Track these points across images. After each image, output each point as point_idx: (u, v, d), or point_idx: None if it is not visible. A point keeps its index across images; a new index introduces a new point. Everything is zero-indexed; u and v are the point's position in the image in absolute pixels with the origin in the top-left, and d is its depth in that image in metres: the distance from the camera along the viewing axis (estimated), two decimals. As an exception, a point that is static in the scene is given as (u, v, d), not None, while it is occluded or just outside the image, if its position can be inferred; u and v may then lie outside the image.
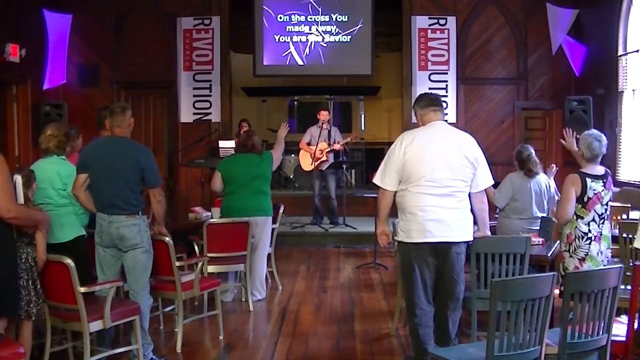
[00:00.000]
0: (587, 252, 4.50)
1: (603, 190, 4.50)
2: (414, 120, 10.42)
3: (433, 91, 10.08)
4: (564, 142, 5.40)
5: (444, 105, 4.29)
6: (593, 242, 4.50)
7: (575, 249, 4.53)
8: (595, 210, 4.50)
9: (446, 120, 4.36)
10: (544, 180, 5.74)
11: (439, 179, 4.01)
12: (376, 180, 4.24)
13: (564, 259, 4.59)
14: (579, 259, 4.51)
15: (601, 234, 4.54)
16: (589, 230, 4.50)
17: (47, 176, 4.63)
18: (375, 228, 4.53)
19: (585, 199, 4.47)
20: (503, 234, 5.41)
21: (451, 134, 4.17)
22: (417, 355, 4.21)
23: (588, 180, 4.47)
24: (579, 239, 4.51)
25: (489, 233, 4.33)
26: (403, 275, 4.25)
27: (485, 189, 4.25)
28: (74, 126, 5.92)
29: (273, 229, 6.90)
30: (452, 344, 4.10)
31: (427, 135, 4.14)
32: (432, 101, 4.22)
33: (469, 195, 4.16)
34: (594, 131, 4.68)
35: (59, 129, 4.82)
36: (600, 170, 4.57)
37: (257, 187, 6.14)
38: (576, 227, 4.52)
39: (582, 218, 4.51)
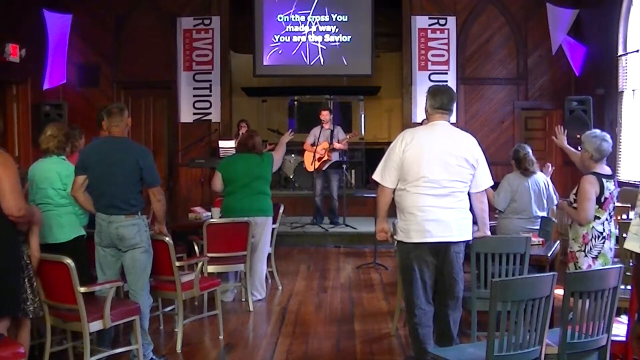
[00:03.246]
0: (601, 251, 4.53)
1: (615, 189, 4.55)
2: (414, 120, 10.56)
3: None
4: (555, 139, 5.44)
5: (455, 105, 4.25)
6: (606, 241, 4.54)
7: (590, 249, 4.55)
8: (608, 209, 4.53)
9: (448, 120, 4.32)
10: (542, 179, 5.74)
11: (437, 180, 4.01)
12: (376, 176, 4.25)
13: (577, 259, 4.58)
14: (592, 258, 4.54)
15: (610, 232, 4.57)
16: (604, 230, 4.54)
17: (47, 176, 4.64)
18: (375, 225, 4.52)
19: (602, 199, 4.50)
20: (503, 234, 5.41)
21: (452, 135, 4.15)
22: (417, 355, 4.21)
23: (604, 180, 4.50)
24: (595, 239, 4.53)
25: (488, 233, 4.33)
26: (403, 275, 4.25)
27: (485, 190, 4.25)
28: (76, 126, 5.91)
29: (273, 229, 6.91)
30: (454, 343, 4.09)
31: (428, 135, 4.13)
32: (443, 104, 4.16)
33: (469, 195, 4.16)
34: (598, 131, 4.67)
35: (59, 129, 4.82)
36: (608, 169, 4.61)
37: (257, 188, 6.14)
38: (593, 227, 4.53)
39: (599, 218, 4.53)
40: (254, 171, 6.12)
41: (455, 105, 4.25)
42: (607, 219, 4.55)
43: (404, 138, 4.13)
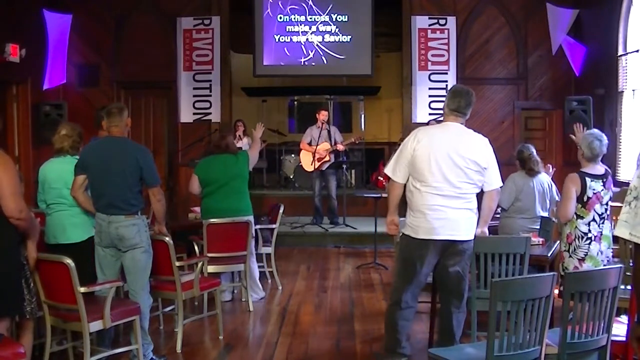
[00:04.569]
0: (587, 252, 4.50)
1: (603, 190, 4.51)
2: (414, 120, 10.55)
3: (433, 91, 10.34)
4: (573, 137, 5.42)
5: (470, 108, 4.24)
6: (593, 242, 4.51)
7: (575, 249, 4.53)
8: (595, 210, 4.50)
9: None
10: (546, 180, 5.74)
11: (447, 182, 4.04)
12: (387, 170, 4.30)
13: (563, 259, 4.60)
14: (578, 259, 4.52)
15: (601, 234, 4.54)
16: (589, 230, 4.50)
17: (61, 176, 4.63)
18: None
19: (585, 198, 4.48)
20: (506, 234, 5.40)
21: (463, 137, 4.14)
22: (389, 344, 4.31)
23: (588, 179, 4.48)
24: (578, 239, 4.51)
25: (486, 231, 4.33)
26: (400, 266, 4.30)
27: (497, 189, 4.25)
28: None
29: (273, 229, 6.91)
30: (455, 344, 4.10)
31: (439, 136, 4.14)
32: (459, 107, 4.16)
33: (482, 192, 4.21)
34: (595, 131, 4.68)
35: (74, 128, 4.82)
36: (600, 169, 4.58)
37: (235, 187, 6.10)
38: (576, 227, 4.53)
39: (582, 218, 4.51)
40: (230, 171, 6.09)
41: (471, 109, 4.22)
42: (594, 220, 4.51)
43: (416, 136, 4.16)
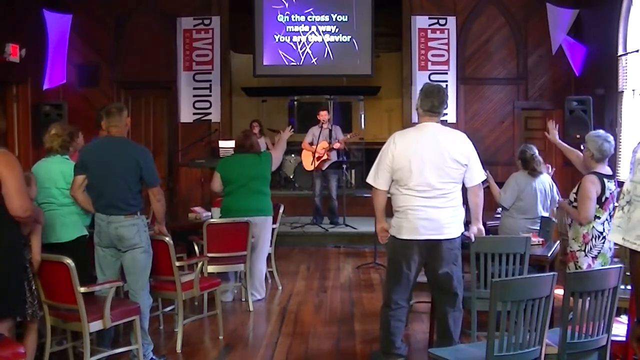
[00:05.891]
0: (600, 250, 4.54)
1: (615, 189, 4.56)
2: (414, 120, 10.52)
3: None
4: (547, 134, 5.44)
5: (446, 106, 4.28)
6: (606, 241, 4.55)
7: (590, 248, 4.56)
8: (609, 209, 4.54)
9: (446, 120, 4.34)
10: (548, 181, 5.74)
11: (427, 183, 4.06)
12: (369, 179, 4.31)
13: (576, 258, 4.60)
14: (592, 257, 4.55)
15: (609, 231, 4.58)
16: (604, 229, 4.54)
17: (51, 176, 4.64)
18: (375, 225, 4.55)
19: (603, 199, 4.52)
20: (507, 234, 5.40)
21: (440, 137, 4.14)
22: (383, 345, 4.32)
23: (605, 180, 4.52)
24: (595, 238, 4.55)
25: (481, 227, 4.33)
26: (389, 267, 4.33)
27: (479, 185, 4.25)
28: (74, 125, 5.91)
29: (273, 229, 6.91)
30: (454, 344, 4.10)
31: (417, 138, 4.16)
32: (433, 107, 4.17)
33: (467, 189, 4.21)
34: (601, 132, 4.68)
35: (64, 128, 4.83)
36: (609, 169, 4.63)
37: (255, 188, 6.12)
38: (593, 227, 4.55)
39: (599, 218, 4.55)
40: (251, 171, 6.11)
41: (445, 106, 4.27)
42: (607, 219, 4.55)
43: (394, 140, 4.19)
